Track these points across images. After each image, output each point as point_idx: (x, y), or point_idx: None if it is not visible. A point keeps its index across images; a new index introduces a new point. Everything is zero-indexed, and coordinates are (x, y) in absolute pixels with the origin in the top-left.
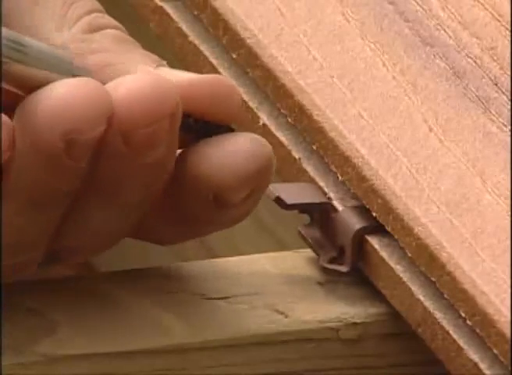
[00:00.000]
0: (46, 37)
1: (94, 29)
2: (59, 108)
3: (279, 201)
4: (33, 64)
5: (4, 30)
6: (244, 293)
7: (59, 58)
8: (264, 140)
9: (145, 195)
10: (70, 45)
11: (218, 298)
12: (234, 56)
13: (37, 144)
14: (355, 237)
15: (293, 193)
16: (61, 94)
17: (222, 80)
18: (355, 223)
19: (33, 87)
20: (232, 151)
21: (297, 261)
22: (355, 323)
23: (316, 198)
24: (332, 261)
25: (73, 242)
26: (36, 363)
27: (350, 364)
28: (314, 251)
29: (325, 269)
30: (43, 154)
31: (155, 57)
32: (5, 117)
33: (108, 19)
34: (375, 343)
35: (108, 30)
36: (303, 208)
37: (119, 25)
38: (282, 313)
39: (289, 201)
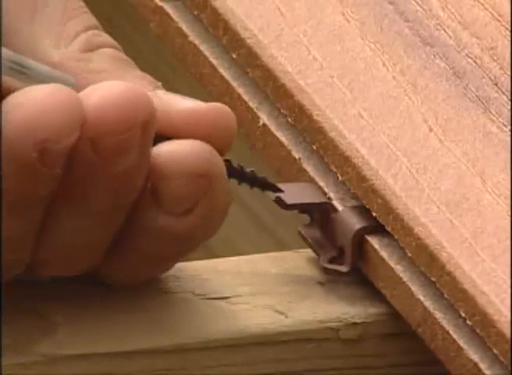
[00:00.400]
0: (43, 53)
1: (91, 48)
2: (32, 116)
3: (279, 201)
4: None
5: (5, 50)
6: (244, 293)
7: (60, 81)
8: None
9: (116, 205)
10: (68, 63)
11: (218, 298)
12: (234, 56)
13: (10, 152)
14: (355, 237)
15: (293, 193)
16: (34, 102)
17: (223, 109)
18: (355, 223)
19: None
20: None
21: (297, 261)
22: (355, 323)
23: (316, 198)
24: (332, 261)
25: (47, 255)
26: (36, 363)
27: (350, 364)
28: (314, 251)
29: (325, 269)
30: (17, 161)
31: (151, 79)
32: None
33: (104, 37)
34: (375, 343)
35: (105, 49)
36: (303, 208)
37: (115, 43)
38: (282, 313)
39: (289, 201)
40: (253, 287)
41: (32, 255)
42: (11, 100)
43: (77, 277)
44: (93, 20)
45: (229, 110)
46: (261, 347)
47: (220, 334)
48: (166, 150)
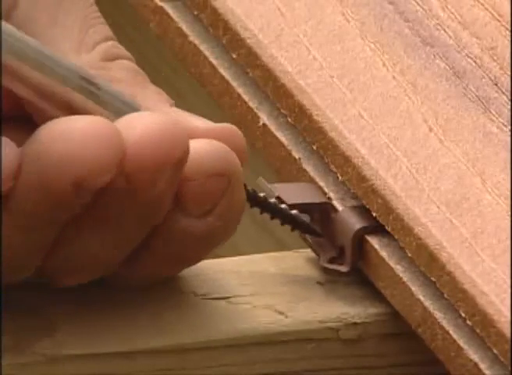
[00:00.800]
0: (64, 56)
1: (110, 58)
2: (73, 151)
3: (278, 201)
4: (102, 106)
5: (77, 66)
6: (244, 293)
7: (128, 105)
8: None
9: (142, 227)
10: (89, 70)
11: (219, 298)
12: (234, 56)
13: (44, 184)
14: (355, 237)
15: (293, 193)
16: (75, 135)
17: (235, 131)
18: (355, 223)
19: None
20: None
21: (297, 261)
22: (355, 323)
23: (316, 198)
24: (332, 261)
25: (66, 265)
26: (36, 363)
27: (350, 364)
28: (314, 251)
29: (325, 269)
30: (50, 194)
31: (166, 95)
32: (9, 145)
33: (121, 50)
34: (375, 343)
35: (123, 61)
36: (303, 208)
37: (131, 56)
38: (282, 313)
39: (289, 201)
40: (253, 287)
41: (49, 263)
42: (52, 128)
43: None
44: (110, 32)
45: (239, 131)
46: (261, 347)
47: (220, 334)
48: None
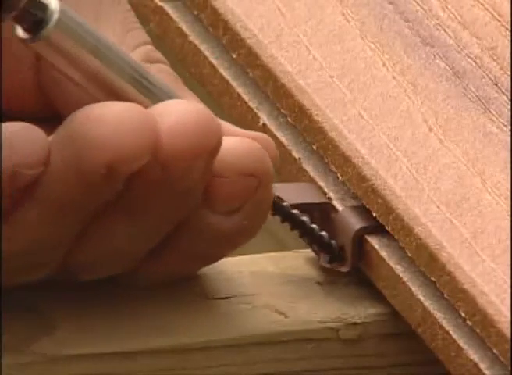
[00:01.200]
0: None
1: (150, 61)
2: (107, 136)
3: (279, 201)
4: (152, 100)
5: (131, 59)
6: (244, 293)
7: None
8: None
9: (170, 220)
10: None
11: (219, 298)
12: (234, 56)
13: (78, 168)
14: (355, 237)
15: (293, 193)
16: (111, 120)
17: (270, 141)
18: (355, 223)
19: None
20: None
21: (297, 261)
22: (355, 323)
23: (316, 198)
24: (332, 261)
25: (90, 258)
26: (35, 363)
27: (350, 364)
28: (314, 251)
29: (324, 269)
30: (82, 177)
31: (198, 100)
32: (38, 133)
33: (159, 54)
34: (375, 343)
35: (162, 65)
36: (303, 208)
37: (167, 61)
38: (282, 313)
39: (290, 201)
40: (253, 287)
41: (72, 259)
42: (88, 111)
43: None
44: (148, 37)
45: (272, 141)
46: (261, 347)
47: (220, 334)
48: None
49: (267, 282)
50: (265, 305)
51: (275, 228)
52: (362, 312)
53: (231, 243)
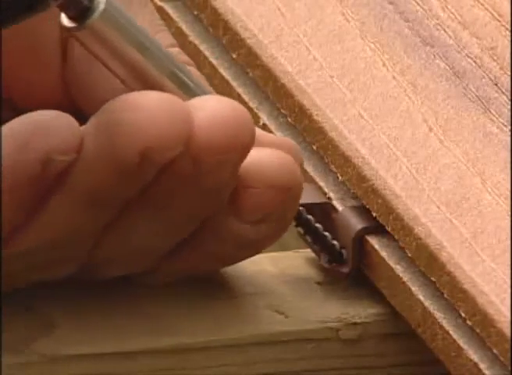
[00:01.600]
0: None
1: None
2: (142, 123)
3: None
4: (191, 96)
5: (171, 55)
6: (244, 293)
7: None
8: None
9: (197, 216)
10: None
11: (218, 298)
12: (234, 56)
13: (112, 154)
14: (356, 238)
15: None
16: (148, 108)
17: (296, 146)
18: (356, 223)
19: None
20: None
21: (297, 261)
22: (355, 323)
23: (316, 198)
24: (332, 261)
25: (113, 254)
26: (35, 363)
27: (350, 364)
28: (314, 251)
29: (324, 269)
30: (115, 164)
31: None
32: (71, 120)
33: (186, 57)
34: (375, 343)
35: (190, 68)
36: (303, 208)
37: (193, 63)
38: (282, 313)
39: None
40: (253, 287)
41: (96, 255)
42: (123, 99)
43: (77, 277)
44: (174, 40)
45: (299, 147)
46: (261, 347)
47: (220, 334)
48: (248, 159)
49: (267, 282)
50: (265, 304)
51: None
52: (362, 312)
53: (252, 249)
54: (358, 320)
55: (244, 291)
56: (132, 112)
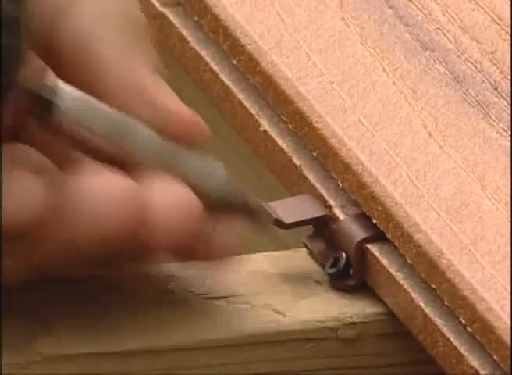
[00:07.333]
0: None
1: None
2: (96, 214)
3: (278, 222)
4: (180, 173)
5: (161, 140)
6: (244, 293)
7: (210, 169)
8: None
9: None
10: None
11: (218, 298)
12: (234, 62)
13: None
14: (358, 248)
15: (291, 209)
16: (100, 200)
17: (198, 120)
18: (357, 234)
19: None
20: None
21: (297, 261)
22: (354, 323)
23: (315, 212)
24: (333, 266)
25: None
26: (35, 363)
27: (349, 363)
28: (319, 261)
29: (324, 269)
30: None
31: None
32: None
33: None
34: (374, 342)
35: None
36: (303, 224)
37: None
38: (281, 313)
39: (288, 220)
40: (252, 286)
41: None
42: (84, 187)
43: (76, 277)
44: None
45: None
46: (260, 346)
47: (219, 334)
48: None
49: (266, 281)
50: (264, 304)
51: (274, 228)
52: (361, 311)
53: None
54: (357, 320)
55: (243, 290)
56: (89, 201)
